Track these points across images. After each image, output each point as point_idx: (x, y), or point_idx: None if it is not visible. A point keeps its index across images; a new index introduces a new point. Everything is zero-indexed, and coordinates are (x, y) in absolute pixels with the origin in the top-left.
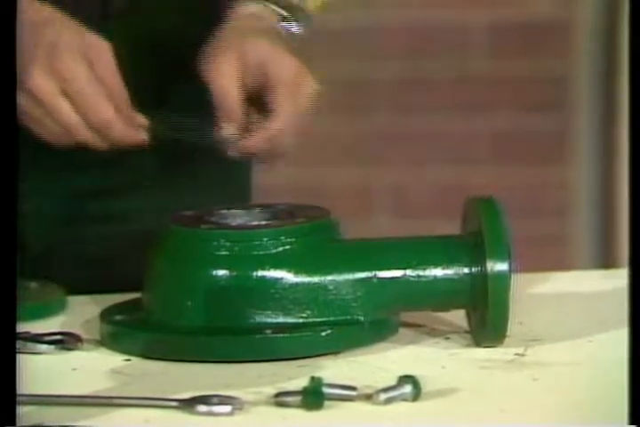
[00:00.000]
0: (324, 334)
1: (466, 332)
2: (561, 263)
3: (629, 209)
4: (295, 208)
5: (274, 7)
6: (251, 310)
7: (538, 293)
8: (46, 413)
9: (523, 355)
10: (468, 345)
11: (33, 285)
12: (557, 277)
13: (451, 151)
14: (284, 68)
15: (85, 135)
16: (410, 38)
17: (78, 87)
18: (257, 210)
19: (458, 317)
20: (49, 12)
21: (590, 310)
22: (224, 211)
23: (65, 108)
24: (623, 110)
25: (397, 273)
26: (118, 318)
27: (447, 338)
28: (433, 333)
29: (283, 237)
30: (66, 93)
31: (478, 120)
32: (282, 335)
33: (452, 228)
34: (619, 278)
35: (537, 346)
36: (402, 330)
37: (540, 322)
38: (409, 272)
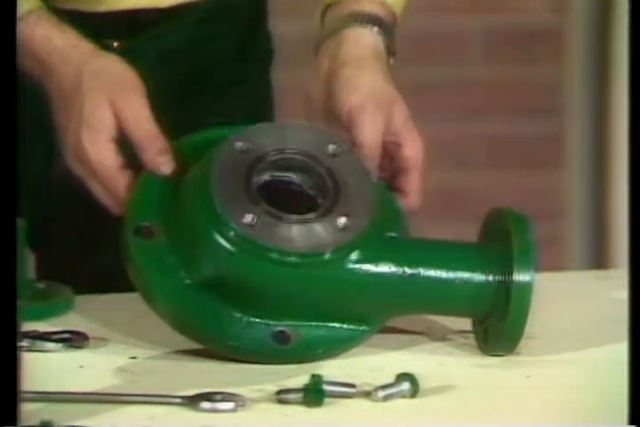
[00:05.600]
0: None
1: (462, 331)
2: (555, 265)
3: (629, 211)
4: None
5: (384, 39)
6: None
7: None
8: (53, 409)
9: (517, 353)
10: (464, 344)
11: (41, 285)
12: (552, 277)
13: (447, 155)
14: (418, 152)
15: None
16: (406, 45)
17: (103, 172)
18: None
19: (453, 317)
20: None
21: (583, 310)
22: None
23: (95, 188)
24: (616, 115)
25: (428, 272)
26: None
27: (444, 337)
28: (430, 332)
29: None
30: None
31: (474, 125)
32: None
33: (448, 230)
34: (611, 279)
35: (531, 345)
36: (400, 329)
37: (534, 321)
38: (434, 273)
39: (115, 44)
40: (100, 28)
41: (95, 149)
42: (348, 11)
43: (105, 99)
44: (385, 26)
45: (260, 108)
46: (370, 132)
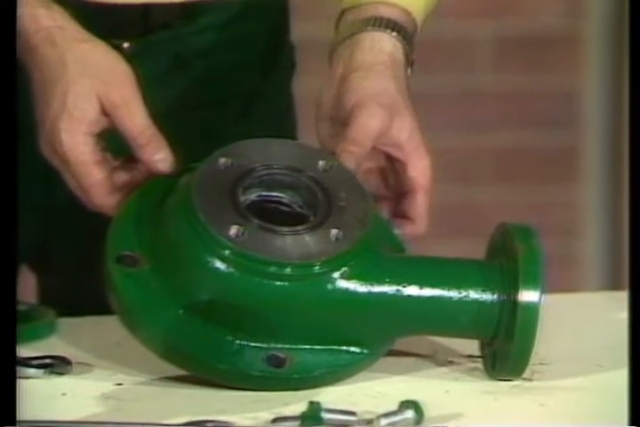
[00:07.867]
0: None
1: (469, 356)
2: (569, 284)
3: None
4: None
5: (403, 46)
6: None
7: (545, 315)
8: None
9: (529, 380)
10: (471, 369)
11: (22, 307)
12: (565, 299)
13: (455, 169)
14: (425, 173)
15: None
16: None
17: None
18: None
19: (461, 341)
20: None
21: (598, 334)
22: None
23: (68, 180)
24: None
25: (426, 290)
26: None
27: (450, 362)
28: (436, 356)
29: None
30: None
31: (483, 136)
32: None
33: (455, 249)
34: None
35: (544, 371)
36: (404, 353)
37: (547, 346)
38: (433, 291)
39: (125, 44)
40: (110, 24)
41: (71, 141)
42: (365, 15)
43: (94, 91)
44: (404, 32)
45: (282, 123)
46: (361, 127)
